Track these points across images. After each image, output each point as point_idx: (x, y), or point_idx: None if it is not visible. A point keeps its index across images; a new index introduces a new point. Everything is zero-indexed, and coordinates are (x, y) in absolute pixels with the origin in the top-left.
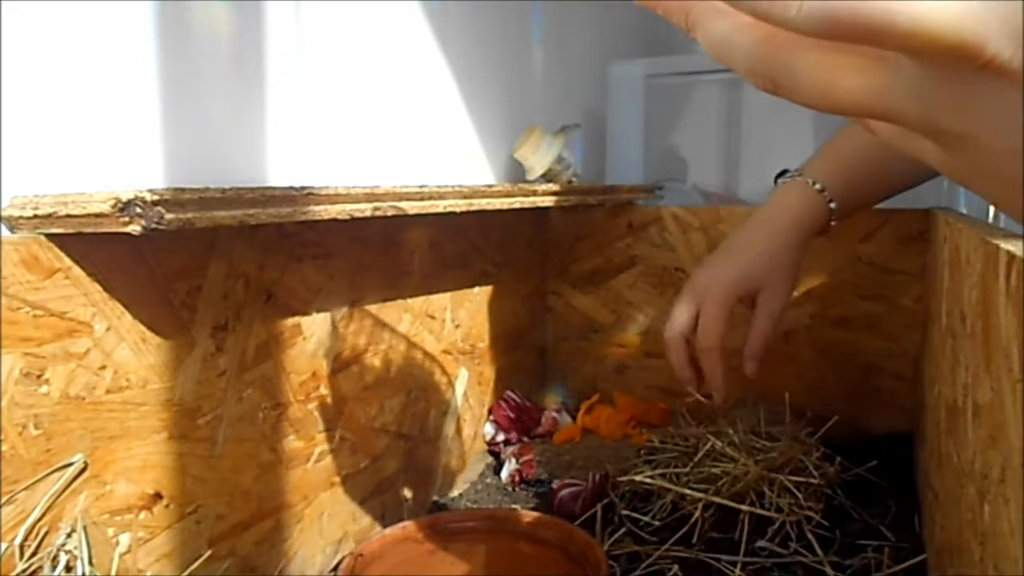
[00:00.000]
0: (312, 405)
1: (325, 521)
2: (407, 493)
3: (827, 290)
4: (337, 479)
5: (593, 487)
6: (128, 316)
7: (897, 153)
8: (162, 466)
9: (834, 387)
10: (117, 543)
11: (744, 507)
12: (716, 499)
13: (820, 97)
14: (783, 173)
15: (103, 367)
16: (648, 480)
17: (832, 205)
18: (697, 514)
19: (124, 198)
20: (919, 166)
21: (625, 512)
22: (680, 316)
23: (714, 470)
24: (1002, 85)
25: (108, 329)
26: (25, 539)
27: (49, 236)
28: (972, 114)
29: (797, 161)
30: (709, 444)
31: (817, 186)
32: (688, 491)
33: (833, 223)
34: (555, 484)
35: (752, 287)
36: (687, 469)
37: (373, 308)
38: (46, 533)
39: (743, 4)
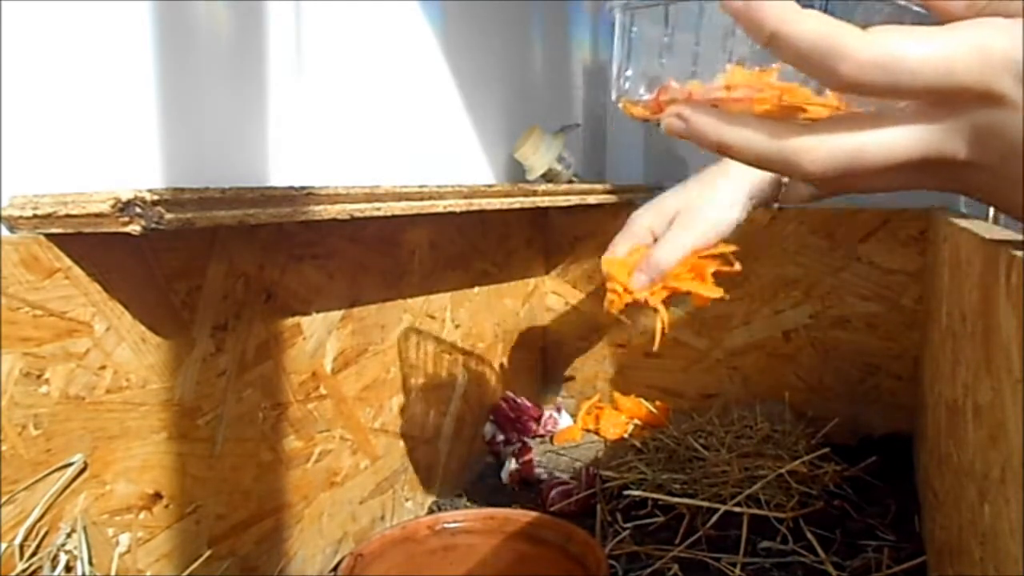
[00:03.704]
0: (312, 405)
1: (325, 521)
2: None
3: (827, 290)
4: (337, 479)
5: (584, 485)
6: (128, 316)
7: None
8: (162, 466)
9: (834, 387)
10: (117, 543)
11: (743, 509)
12: (705, 503)
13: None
14: None
15: (103, 367)
16: (636, 493)
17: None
18: (689, 519)
19: (124, 198)
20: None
21: (619, 510)
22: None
23: (713, 470)
24: (973, 168)
25: (108, 329)
26: (25, 539)
27: (49, 236)
28: (964, 183)
29: None
30: (701, 444)
31: None
32: (676, 500)
33: (784, 183)
34: (546, 483)
35: (672, 212)
36: (682, 476)
37: (373, 308)
38: (46, 533)
39: (762, 161)
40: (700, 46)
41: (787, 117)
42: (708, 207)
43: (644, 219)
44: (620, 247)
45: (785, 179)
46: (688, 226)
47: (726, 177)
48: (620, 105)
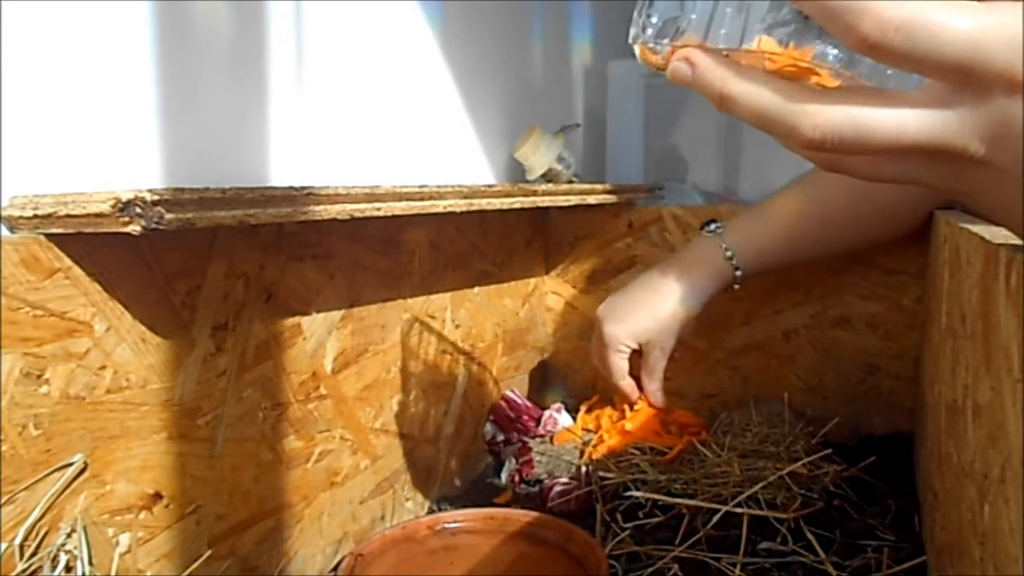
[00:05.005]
0: (312, 405)
1: (325, 521)
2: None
3: (827, 290)
4: (337, 479)
5: (583, 485)
6: (128, 316)
7: (819, 224)
8: (162, 466)
9: (834, 387)
10: (117, 543)
11: (744, 510)
12: (705, 504)
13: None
14: (711, 222)
15: (103, 367)
16: (636, 493)
17: (737, 273)
18: (689, 519)
19: (124, 198)
20: (840, 236)
21: (619, 510)
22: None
23: (714, 470)
24: (984, 168)
25: (108, 329)
26: (25, 539)
27: (49, 236)
28: (972, 183)
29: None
30: (701, 444)
31: (728, 252)
32: (676, 500)
33: (737, 286)
34: (546, 483)
35: (641, 341)
36: (682, 475)
37: (373, 308)
38: (46, 533)
39: (765, 127)
40: (725, 14)
41: (799, 78)
42: (667, 339)
43: (622, 340)
44: (620, 364)
45: (737, 271)
46: (656, 364)
47: (675, 302)
48: (636, 48)
